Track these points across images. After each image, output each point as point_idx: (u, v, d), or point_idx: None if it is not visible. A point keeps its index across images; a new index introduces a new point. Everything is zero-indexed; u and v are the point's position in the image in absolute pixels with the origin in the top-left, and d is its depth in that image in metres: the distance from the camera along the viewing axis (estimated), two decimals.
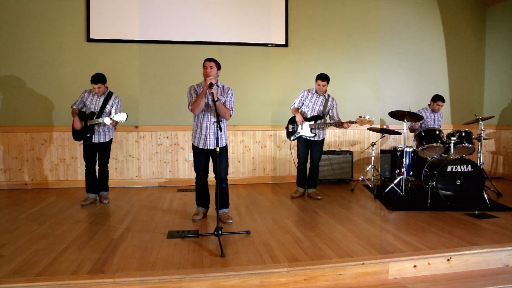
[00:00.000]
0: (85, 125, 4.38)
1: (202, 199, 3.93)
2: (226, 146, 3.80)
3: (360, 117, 4.51)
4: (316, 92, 4.65)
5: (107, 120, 4.22)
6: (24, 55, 5.37)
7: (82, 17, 5.47)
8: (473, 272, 2.86)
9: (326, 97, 4.67)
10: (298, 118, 4.58)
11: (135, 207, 4.40)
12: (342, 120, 4.56)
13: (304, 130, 4.61)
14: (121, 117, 4.24)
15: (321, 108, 4.64)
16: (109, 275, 2.49)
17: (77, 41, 5.48)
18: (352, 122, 4.50)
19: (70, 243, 3.12)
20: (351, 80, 6.18)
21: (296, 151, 4.88)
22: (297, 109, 4.70)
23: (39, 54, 5.40)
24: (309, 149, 4.73)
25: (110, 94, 4.45)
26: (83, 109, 4.50)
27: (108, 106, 4.40)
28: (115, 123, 4.31)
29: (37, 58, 5.40)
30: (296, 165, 4.86)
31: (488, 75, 6.65)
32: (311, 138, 4.63)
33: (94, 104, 4.40)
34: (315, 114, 4.63)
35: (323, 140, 4.72)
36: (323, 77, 4.57)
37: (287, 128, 4.84)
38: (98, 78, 4.29)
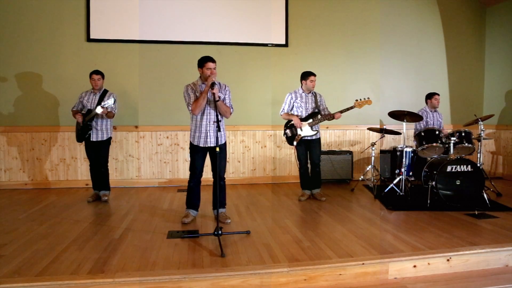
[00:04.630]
0: (83, 123, 4.44)
1: (194, 200, 3.80)
2: (225, 144, 3.77)
3: (357, 100, 4.55)
4: (304, 91, 4.64)
5: (98, 109, 4.27)
6: (24, 55, 5.37)
7: (82, 17, 5.47)
8: (473, 272, 2.86)
9: (314, 94, 4.68)
10: (296, 121, 4.52)
11: (135, 207, 4.40)
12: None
13: (305, 130, 4.58)
14: (109, 102, 4.30)
15: (314, 105, 4.64)
16: (109, 275, 2.49)
17: (77, 41, 5.48)
18: (350, 108, 4.51)
19: (70, 243, 3.12)
20: (351, 80, 6.18)
21: (295, 154, 4.74)
22: (288, 114, 4.64)
23: (39, 54, 5.40)
24: (308, 150, 4.69)
25: (105, 92, 4.57)
26: (82, 110, 4.56)
27: (103, 103, 4.43)
28: (106, 111, 4.35)
29: (37, 58, 5.40)
30: (298, 167, 4.77)
31: (488, 75, 6.65)
32: (310, 138, 4.61)
33: (90, 102, 4.51)
34: (310, 112, 4.64)
35: (319, 138, 4.70)
36: (314, 73, 4.59)
37: (285, 134, 4.70)
38: (99, 71, 4.52)
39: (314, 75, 4.59)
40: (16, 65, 5.37)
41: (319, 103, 4.66)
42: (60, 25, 5.44)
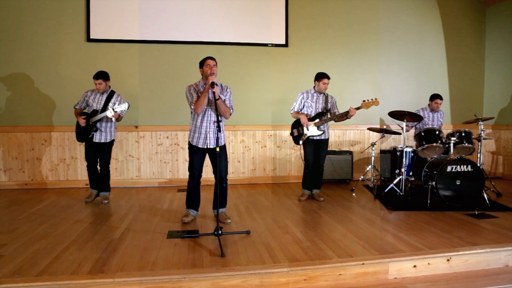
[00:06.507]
0: (87, 124, 4.39)
1: (194, 201, 3.81)
2: (225, 145, 3.79)
3: (364, 101, 4.51)
4: (316, 91, 4.65)
5: (109, 113, 4.21)
6: (24, 55, 5.37)
7: (82, 17, 5.47)
8: (473, 272, 2.86)
9: (325, 95, 4.67)
10: (303, 119, 4.51)
11: (135, 207, 4.40)
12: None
13: (311, 130, 4.55)
14: (123, 106, 4.26)
15: (323, 105, 4.63)
16: (109, 275, 2.49)
17: (77, 41, 5.48)
18: (357, 108, 4.45)
19: (70, 243, 3.12)
20: (351, 80, 6.18)
21: (303, 153, 4.72)
22: (298, 112, 4.66)
23: (39, 54, 5.41)
24: (316, 150, 4.64)
25: (112, 93, 4.50)
26: (86, 109, 4.53)
27: (110, 104, 4.42)
28: (117, 116, 4.29)
29: (37, 58, 5.40)
30: (304, 167, 4.76)
31: (488, 75, 6.65)
32: (318, 138, 4.59)
33: (96, 102, 4.44)
34: (318, 112, 4.63)
35: (328, 139, 4.69)
36: (327, 75, 4.57)
37: (292, 133, 4.72)
38: (100, 74, 4.39)
39: (328, 78, 4.56)
40: (16, 65, 5.37)
41: (329, 105, 4.64)
42: (60, 25, 5.44)
